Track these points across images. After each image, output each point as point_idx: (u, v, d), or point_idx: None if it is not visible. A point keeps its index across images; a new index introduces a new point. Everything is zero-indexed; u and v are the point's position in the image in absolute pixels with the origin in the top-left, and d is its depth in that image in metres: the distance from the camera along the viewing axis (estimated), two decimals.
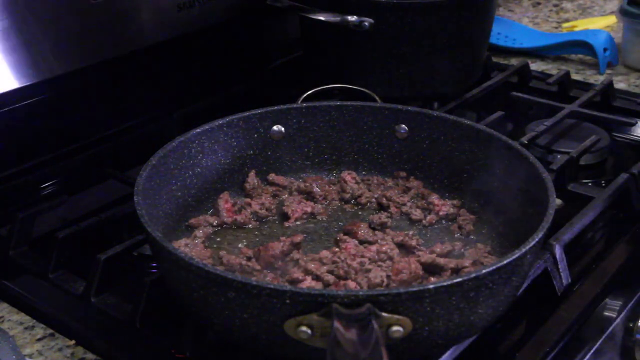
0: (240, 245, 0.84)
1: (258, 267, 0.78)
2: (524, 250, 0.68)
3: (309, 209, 0.89)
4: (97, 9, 1.02)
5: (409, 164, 0.95)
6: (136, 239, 0.86)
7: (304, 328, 0.63)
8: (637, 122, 1.18)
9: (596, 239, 0.95)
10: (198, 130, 0.88)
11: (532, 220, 0.75)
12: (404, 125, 0.94)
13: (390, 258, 0.79)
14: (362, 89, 1.04)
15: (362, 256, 0.79)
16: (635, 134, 1.18)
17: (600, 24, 1.56)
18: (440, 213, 0.88)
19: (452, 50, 1.13)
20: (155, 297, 0.78)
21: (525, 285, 0.77)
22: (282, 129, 0.94)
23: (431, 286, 0.63)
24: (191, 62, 1.18)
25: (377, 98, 1.02)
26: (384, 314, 0.62)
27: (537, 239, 0.69)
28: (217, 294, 0.66)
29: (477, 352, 0.75)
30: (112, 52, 1.06)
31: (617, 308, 0.84)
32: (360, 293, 0.62)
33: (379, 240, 0.82)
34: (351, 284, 0.74)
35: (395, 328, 0.63)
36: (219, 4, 1.19)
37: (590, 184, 1.04)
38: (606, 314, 0.84)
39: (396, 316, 0.63)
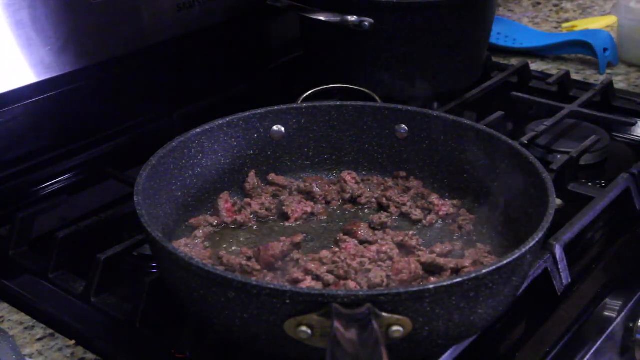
0: (240, 245, 0.84)
1: (258, 267, 0.78)
2: (524, 250, 0.68)
3: (309, 209, 0.89)
4: (97, 9, 1.02)
5: (409, 164, 0.95)
6: (136, 239, 0.86)
7: (304, 328, 0.63)
8: (637, 122, 1.18)
9: (596, 239, 0.95)
10: (198, 130, 0.88)
11: (532, 220, 0.75)
12: (404, 125, 0.94)
13: (390, 258, 0.79)
14: (362, 89, 1.04)
15: (362, 256, 0.79)
16: (635, 134, 1.18)
17: (600, 24, 1.56)
18: (440, 213, 0.88)
19: (452, 50, 1.13)
20: (155, 297, 0.78)
21: (525, 285, 0.77)
22: (282, 129, 0.94)
23: (431, 286, 0.63)
24: (191, 62, 1.18)
25: (377, 98, 1.02)
26: (384, 314, 0.62)
27: (537, 239, 0.69)
28: (217, 294, 0.66)
29: (477, 352, 0.75)
30: (112, 52, 1.06)
31: (617, 308, 0.84)
32: (360, 293, 0.62)
33: (379, 240, 0.82)
34: (351, 284, 0.74)
35: (395, 328, 0.63)
36: (219, 4, 1.19)
37: (590, 184, 1.04)
38: (606, 314, 0.84)
39: (396, 316, 0.63)
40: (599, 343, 0.80)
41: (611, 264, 0.90)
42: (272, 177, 0.94)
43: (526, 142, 1.04)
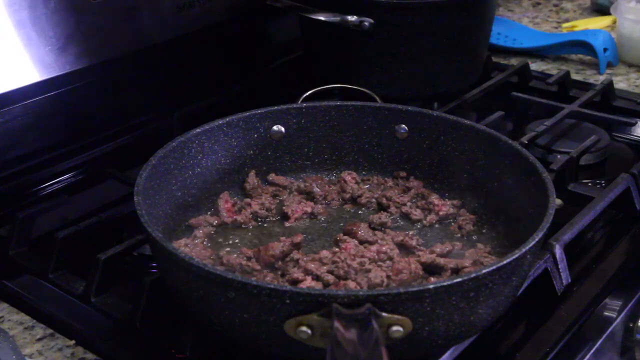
0: (240, 245, 0.84)
1: (258, 267, 0.78)
2: (524, 250, 0.68)
3: (309, 209, 0.89)
4: (97, 9, 1.02)
5: (409, 164, 0.95)
6: (136, 239, 0.86)
7: (304, 328, 0.63)
8: (637, 122, 1.18)
9: (596, 239, 0.95)
10: (198, 130, 0.88)
11: (532, 220, 0.75)
12: (404, 125, 0.94)
13: (390, 258, 0.79)
14: (362, 89, 1.04)
15: (362, 256, 0.79)
16: (635, 134, 1.18)
17: (600, 24, 1.56)
18: (440, 213, 0.88)
19: (452, 50, 1.13)
20: (155, 297, 0.78)
21: (525, 285, 0.77)
22: (282, 129, 0.94)
23: (431, 286, 0.63)
24: (191, 62, 1.18)
25: (377, 98, 1.02)
26: (384, 314, 0.62)
27: (537, 239, 0.69)
28: (217, 294, 0.66)
29: (477, 352, 0.75)
30: (112, 52, 1.06)
31: (617, 308, 0.84)
32: (360, 293, 0.62)
33: (379, 240, 0.82)
34: (351, 284, 0.74)
35: (395, 328, 0.63)
36: (219, 4, 1.19)
37: (590, 184, 1.04)
38: (606, 314, 0.84)
39: (396, 316, 0.63)
40: (599, 343, 0.80)
41: (611, 264, 0.90)
42: (272, 177, 0.94)
43: (526, 142, 1.04)
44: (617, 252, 0.92)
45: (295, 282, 0.75)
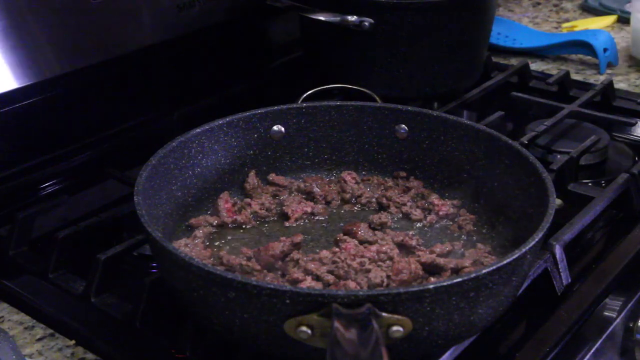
0: (240, 245, 0.84)
1: (258, 267, 0.78)
2: (524, 250, 0.68)
3: (309, 209, 0.89)
4: (97, 9, 1.02)
5: (409, 164, 0.95)
6: (136, 239, 0.86)
7: (304, 328, 0.63)
8: (637, 122, 1.18)
9: (596, 239, 0.95)
10: (198, 130, 0.88)
11: (532, 220, 0.75)
12: (404, 125, 0.94)
13: (390, 258, 0.79)
14: (362, 89, 1.04)
15: (362, 256, 0.79)
16: (635, 134, 1.17)
17: (600, 24, 1.56)
18: (440, 213, 0.88)
19: (452, 50, 1.13)
20: (155, 297, 0.78)
21: (525, 285, 0.77)
22: (282, 129, 0.94)
23: (431, 286, 0.63)
24: (191, 62, 1.18)
25: (377, 98, 1.02)
26: (384, 314, 0.62)
27: (537, 239, 0.69)
28: (217, 294, 0.66)
29: (477, 352, 0.75)
30: (112, 52, 1.06)
31: (617, 308, 0.84)
32: (360, 293, 0.62)
33: (379, 240, 0.82)
34: (351, 284, 0.74)
35: (395, 328, 0.63)
36: (219, 4, 1.19)
37: (590, 184, 1.04)
38: (606, 314, 0.84)
39: (396, 316, 0.63)
40: (599, 343, 0.80)
41: (611, 264, 0.89)
42: (272, 177, 0.94)
43: (526, 142, 1.04)
44: (617, 252, 0.92)
45: (295, 282, 0.75)
